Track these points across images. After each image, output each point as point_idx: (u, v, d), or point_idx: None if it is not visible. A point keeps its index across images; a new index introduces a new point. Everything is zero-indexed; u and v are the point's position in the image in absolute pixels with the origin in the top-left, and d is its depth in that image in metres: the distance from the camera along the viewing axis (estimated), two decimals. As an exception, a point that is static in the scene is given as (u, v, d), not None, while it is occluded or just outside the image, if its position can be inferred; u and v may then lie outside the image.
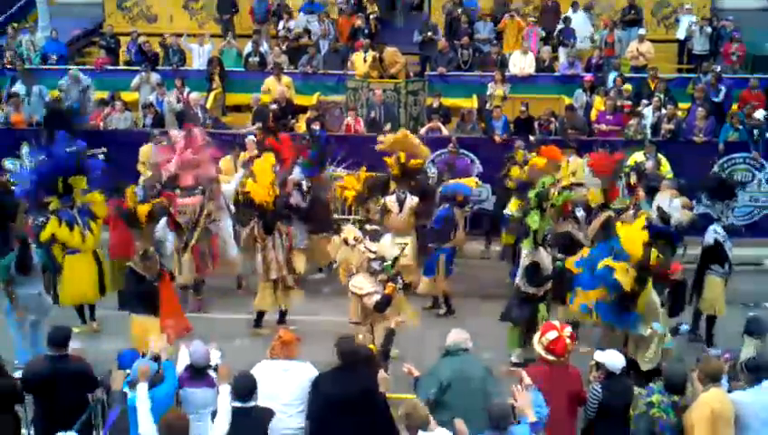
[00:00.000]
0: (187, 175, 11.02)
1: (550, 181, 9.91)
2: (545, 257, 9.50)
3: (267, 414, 6.11)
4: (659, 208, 10.08)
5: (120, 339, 9.28)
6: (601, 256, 8.57)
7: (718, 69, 15.89)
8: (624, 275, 8.24)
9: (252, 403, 6.08)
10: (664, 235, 9.54)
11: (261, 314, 10.75)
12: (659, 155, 12.95)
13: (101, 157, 12.19)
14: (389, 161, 11.85)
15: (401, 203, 11.28)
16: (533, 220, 9.39)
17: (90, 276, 10.51)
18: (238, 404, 6.06)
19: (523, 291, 9.52)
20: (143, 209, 10.95)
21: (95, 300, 10.74)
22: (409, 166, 11.76)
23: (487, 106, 15.05)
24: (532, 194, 9.71)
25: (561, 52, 17.19)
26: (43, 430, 6.90)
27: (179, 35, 17.67)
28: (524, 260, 9.57)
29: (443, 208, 11.24)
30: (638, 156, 12.65)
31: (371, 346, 7.08)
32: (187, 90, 15.64)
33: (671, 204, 10.28)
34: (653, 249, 8.60)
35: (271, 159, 10.76)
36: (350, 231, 9.54)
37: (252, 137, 13.53)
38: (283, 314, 10.80)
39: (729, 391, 6.54)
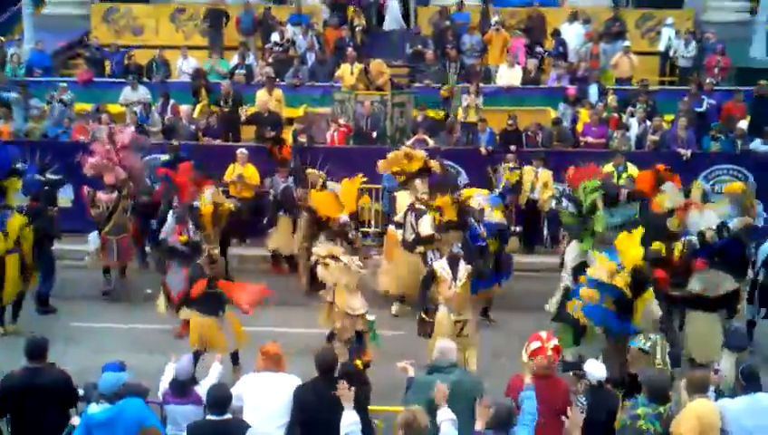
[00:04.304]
0: (109, 174, 12.00)
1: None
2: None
3: (243, 426, 6.06)
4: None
5: (96, 351, 9.37)
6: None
7: (708, 81, 16.07)
8: (607, 271, 8.27)
9: (227, 416, 6.04)
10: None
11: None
12: (630, 165, 13.04)
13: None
14: (443, 202, 11.04)
15: (454, 267, 9.28)
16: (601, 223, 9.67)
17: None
18: (213, 417, 6.02)
19: None
20: (207, 211, 11.52)
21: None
22: (463, 204, 11.02)
23: (462, 118, 15.11)
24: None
25: (557, 66, 17.16)
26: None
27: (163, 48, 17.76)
28: (572, 262, 9.62)
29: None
30: (606, 168, 12.71)
31: (357, 362, 7.04)
32: (171, 102, 15.65)
33: (702, 217, 10.33)
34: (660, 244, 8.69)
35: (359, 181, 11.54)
36: (331, 249, 9.56)
37: (243, 150, 13.57)
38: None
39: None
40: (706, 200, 11.10)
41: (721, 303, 9.49)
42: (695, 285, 9.36)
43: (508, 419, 5.75)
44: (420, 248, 11.17)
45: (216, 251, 9.89)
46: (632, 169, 13.00)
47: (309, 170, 12.79)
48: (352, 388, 6.03)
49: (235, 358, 9.33)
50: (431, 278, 9.31)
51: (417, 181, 12.09)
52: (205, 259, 9.41)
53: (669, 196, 11.02)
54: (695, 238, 9.98)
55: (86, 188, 12.10)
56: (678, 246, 9.59)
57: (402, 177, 12.38)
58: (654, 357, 8.06)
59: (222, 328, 9.29)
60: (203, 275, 9.26)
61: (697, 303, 9.41)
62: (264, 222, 13.09)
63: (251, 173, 13.64)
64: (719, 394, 6.83)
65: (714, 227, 10.09)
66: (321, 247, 9.78)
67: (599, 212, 10.06)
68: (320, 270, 9.29)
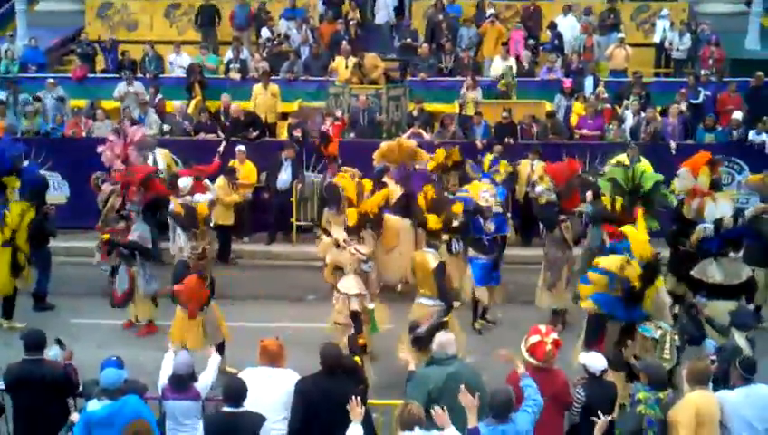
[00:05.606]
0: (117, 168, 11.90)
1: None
2: None
3: (258, 420, 6.05)
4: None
5: (95, 347, 9.39)
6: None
7: (703, 72, 16.08)
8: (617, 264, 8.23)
9: (242, 408, 6.04)
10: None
11: None
12: (642, 157, 13.02)
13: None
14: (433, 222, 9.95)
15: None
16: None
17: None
18: (229, 409, 6.03)
19: None
20: (202, 210, 11.38)
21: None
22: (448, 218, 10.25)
23: (461, 111, 15.08)
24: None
25: (550, 58, 17.13)
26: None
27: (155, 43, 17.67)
28: None
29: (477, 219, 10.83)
30: (621, 158, 12.72)
31: (356, 359, 7.04)
32: (159, 96, 15.60)
33: (717, 206, 10.33)
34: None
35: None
36: (340, 232, 9.59)
37: (242, 147, 13.53)
38: None
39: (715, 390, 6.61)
40: (715, 187, 11.06)
41: (740, 290, 9.52)
42: (715, 275, 9.38)
43: (508, 404, 5.76)
44: (445, 236, 10.76)
45: (208, 247, 9.85)
46: (644, 161, 12.98)
47: (345, 168, 12.50)
48: (363, 407, 6.02)
49: (220, 350, 9.21)
50: (444, 272, 8.95)
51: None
52: (193, 254, 9.41)
53: (679, 181, 11.02)
54: (710, 226, 10.03)
55: (96, 174, 12.08)
56: (697, 234, 9.77)
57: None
58: (662, 348, 8.06)
59: (205, 323, 9.27)
60: (188, 272, 9.24)
61: (718, 292, 9.44)
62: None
63: (248, 170, 13.62)
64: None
65: (729, 215, 10.12)
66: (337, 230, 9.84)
67: (664, 190, 10.29)
68: (321, 244, 9.46)
